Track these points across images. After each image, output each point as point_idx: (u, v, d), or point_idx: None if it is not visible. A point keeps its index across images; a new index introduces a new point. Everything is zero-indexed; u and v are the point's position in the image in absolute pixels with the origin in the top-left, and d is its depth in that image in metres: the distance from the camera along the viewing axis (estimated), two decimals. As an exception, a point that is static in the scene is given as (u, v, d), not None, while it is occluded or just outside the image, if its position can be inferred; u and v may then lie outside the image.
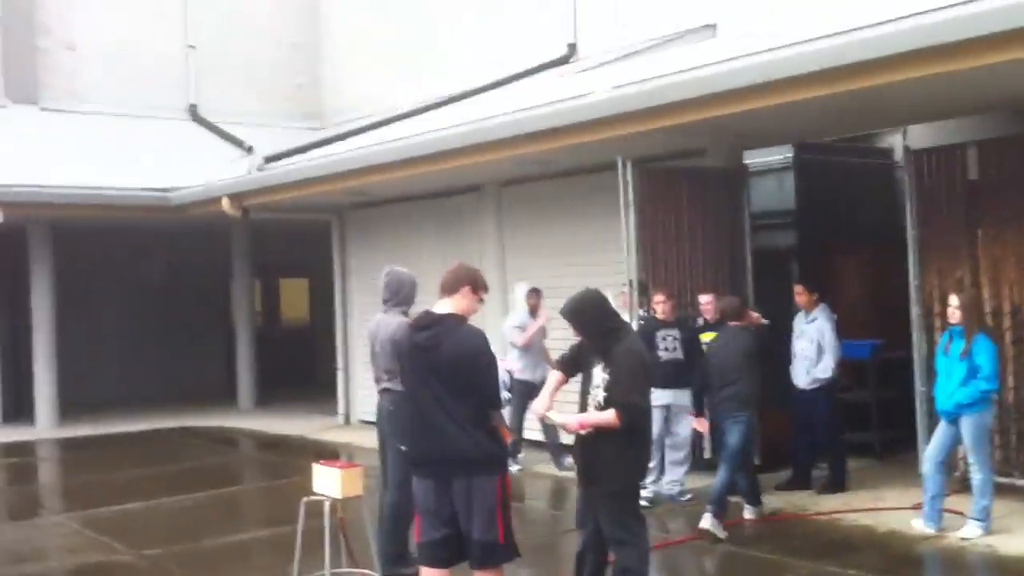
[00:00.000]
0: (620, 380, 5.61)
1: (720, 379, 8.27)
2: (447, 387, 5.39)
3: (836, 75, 7.31)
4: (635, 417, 5.59)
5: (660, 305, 9.09)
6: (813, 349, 9.18)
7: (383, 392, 7.22)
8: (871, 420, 10.42)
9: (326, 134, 16.20)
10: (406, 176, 11.88)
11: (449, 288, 5.60)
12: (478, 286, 5.65)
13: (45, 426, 16.01)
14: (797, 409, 9.33)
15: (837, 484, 9.12)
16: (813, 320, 9.25)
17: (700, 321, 9.61)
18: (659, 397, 8.72)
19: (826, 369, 9.15)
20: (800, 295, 9.34)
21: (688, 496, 9.08)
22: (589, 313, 5.82)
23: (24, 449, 14.39)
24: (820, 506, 8.67)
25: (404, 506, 6.83)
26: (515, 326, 10.81)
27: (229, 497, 10.84)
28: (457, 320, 5.53)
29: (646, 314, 9.44)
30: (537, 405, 6.13)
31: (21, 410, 16.85)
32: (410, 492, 6.05)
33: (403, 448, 6.69)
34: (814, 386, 9.20)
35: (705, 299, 9.40)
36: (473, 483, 5.37)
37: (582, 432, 5.77)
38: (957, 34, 6.57)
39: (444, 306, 5.59)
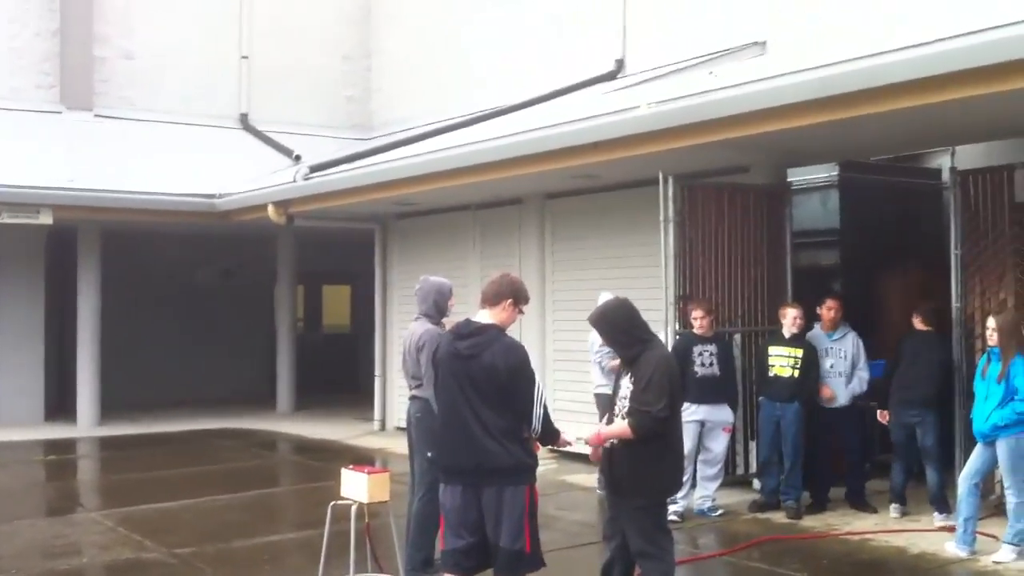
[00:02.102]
0: (640, 389, 5.59)
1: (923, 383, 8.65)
2: (483, 397, 5.39)
3: (881, 94, 7.25)
4: (646, 425, 5.53)
5: (698, 320, 9.03)
6: (847, 365, 9.10)
7: (412, 399, 7.25)
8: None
9: (373, 144, 16.32)
10: (450, 187, 11.93)
11: (490, 300, 5.61)
12: (519, 299, 5.65)
13: (86, 425, 16.20)
14: (824, 429, 9.10)
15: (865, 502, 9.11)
16: (843, 336, 9.17)
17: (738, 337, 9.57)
18: (694, 412, 8.74)
19: (864, 383, 9.11)
20: (837, 311, 9.19)
21: (719, 512, 9.00)
22: (613, 321, 5.81)
23: (64, 447, 14.56)
24: (852, 525, 8.56)
25: (430, 513, 6.83)
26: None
27: (262, 499, 10.90)
28: (498, 331, 5.54)
29: (683, 329, 9.39)
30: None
31: (64, 408, 17.09)
32: (436, 499, 6.06)
33: (429, 455, 6.71)
34: (850, 402, 9.12)
35: (794, 313, 9.21)
36: (504, 492, 5.38)
37: (603, 446, 5.76)
38: (1007, 55, 6.49)
39: (484, 317, 5.60)
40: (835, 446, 9.20)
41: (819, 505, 9.07)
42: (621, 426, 5.61)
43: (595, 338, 9.89)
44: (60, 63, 18.23)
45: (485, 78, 16.82)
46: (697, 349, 8.96)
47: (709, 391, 8.90)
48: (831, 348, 9.16)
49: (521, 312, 5.70)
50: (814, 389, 9.09)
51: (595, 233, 12.11)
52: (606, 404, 9.95)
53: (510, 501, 5.37)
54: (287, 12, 20.14)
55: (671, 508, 8.34)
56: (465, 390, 5.43)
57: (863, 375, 9.12)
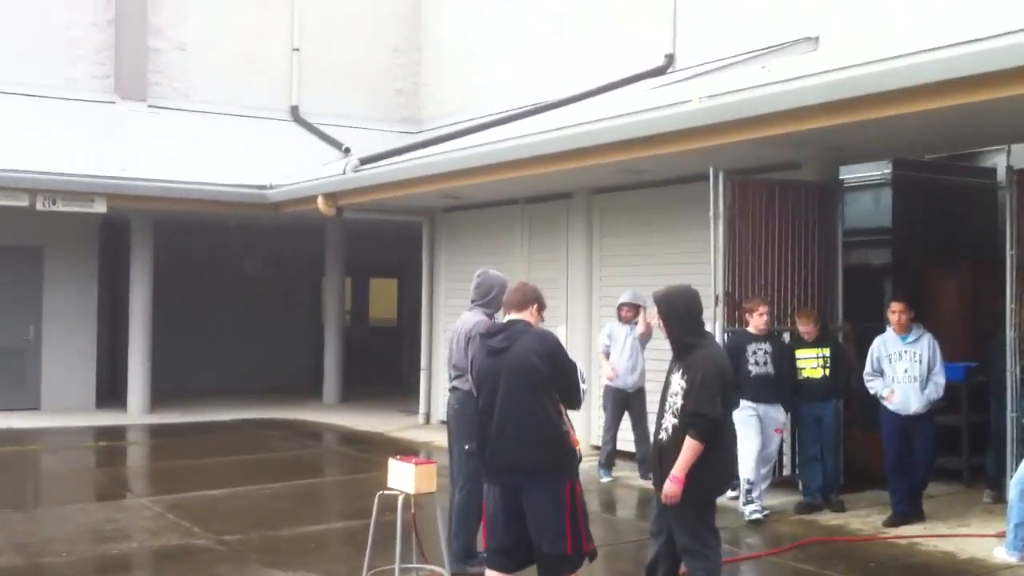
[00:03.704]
0: (694, 389, 5.55)
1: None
2: (518, 392, 5.43)
3: (935, 90, 7.15)
4: (705, 428, 5.51)
5: (764, 317, 8.94)
6: (923, 369, 8.62)
7: (452, 391, 7.26)
8: (960, 445, 10.12)
9: (422, 137, 16.37)
10: (498, 180, 11.91)
11: (516, 306, 5.75)
12: (543, 305, 5.84)
13: (136, 412, 16.41)
14: (899, 436, 8.65)
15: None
16: (917, 339, 8.68)
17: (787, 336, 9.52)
18: (753, 410, 8.70)
19: (940, 388, 8.67)
20: (903, 313, 8.72)
21: (766, 512, 8.89)
22: (673, 303, 5.80)
23: (115, 433, 14.75)
24: (900, 530, 8.45)
25: (470, 504, 6.86)
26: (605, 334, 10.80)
27: (308, 488, 10.97)
28: (527, 323, 5.66)
29: (735, 327, 9.32)
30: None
31: (115, 395, 17.33)
32: (476, 491, 6.08)
33: (467, 447, 6.73)
34: (927, 409, 8.67)
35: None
36: (541, 491, 5.37)
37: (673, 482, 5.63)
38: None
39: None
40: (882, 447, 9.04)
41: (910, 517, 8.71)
42: (689, 452, 5.51)
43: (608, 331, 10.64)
44: (115, 53, 18.44)
45: (534, 73, 16.79)
46: (751, 348, 8.89)
47: (764, 390, 8.82)
48: (904, 352, 8.67)
49: (542, 319, 5.84)
50: (846, 384, 9.13)
51: (643, 229, 12.05)
52: (614, 399, 10.34)
53: (548, 501, 5.36)
54: (338, 5, 20.22)
55: (750, 507, 8.51)
56: (500, 387, 5.48)
57: (939, 380, 8.63)
